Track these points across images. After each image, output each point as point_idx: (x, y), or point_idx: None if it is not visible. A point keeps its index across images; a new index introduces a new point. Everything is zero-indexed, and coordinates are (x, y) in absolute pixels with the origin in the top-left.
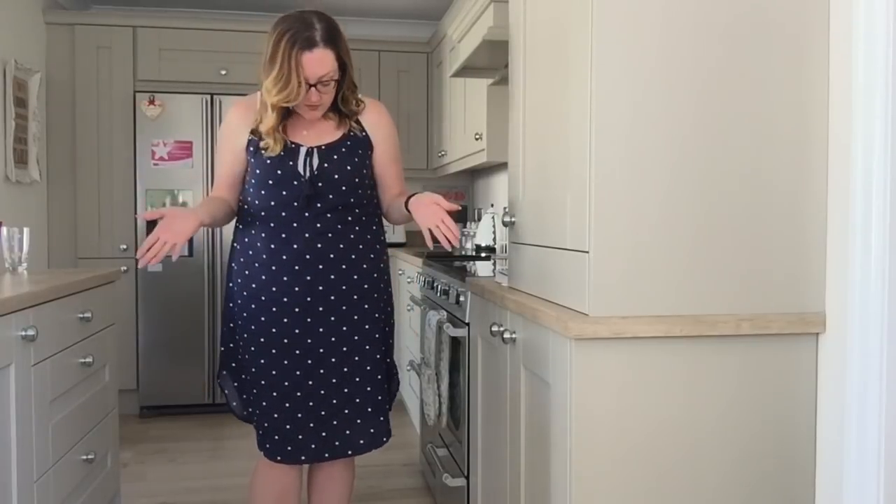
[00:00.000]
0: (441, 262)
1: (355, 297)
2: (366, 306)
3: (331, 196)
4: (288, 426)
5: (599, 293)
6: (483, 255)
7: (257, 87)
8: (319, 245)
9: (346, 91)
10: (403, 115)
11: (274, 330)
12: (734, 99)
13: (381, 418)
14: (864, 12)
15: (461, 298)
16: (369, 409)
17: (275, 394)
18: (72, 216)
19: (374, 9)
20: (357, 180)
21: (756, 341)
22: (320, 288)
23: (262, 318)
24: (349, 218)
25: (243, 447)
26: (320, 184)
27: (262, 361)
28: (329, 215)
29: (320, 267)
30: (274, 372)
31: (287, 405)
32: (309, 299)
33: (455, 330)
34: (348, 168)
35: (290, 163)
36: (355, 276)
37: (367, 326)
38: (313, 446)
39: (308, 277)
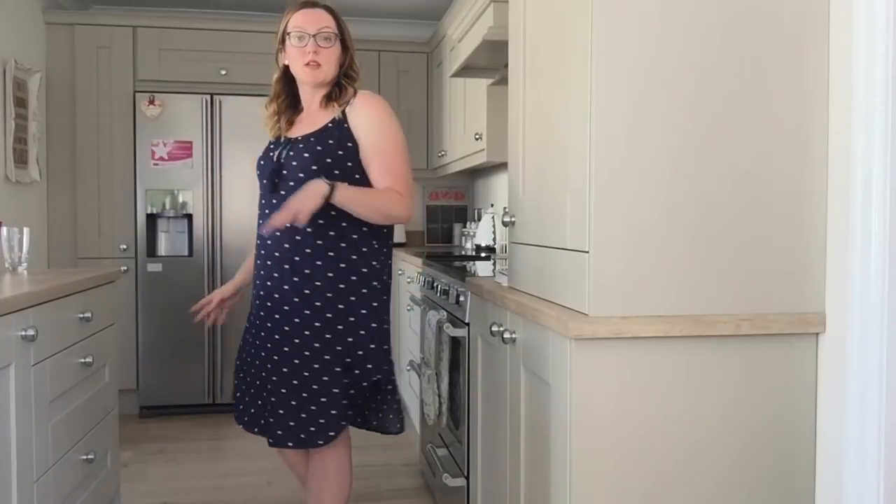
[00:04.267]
0: (441, 262)
1: (307, 291)
2: (317, 303)
3: (291, 184)
4: (239, 394)
5: (599, 293)
6: (483, 255)
7: (257, 86)
8: (278, 234)
9: (349, 69)
10: (403, 116)
11: (251, 310)
12: (734, 99)
13: (311, 419)
14: (864, 12)
15: (461, 298)
16: (307, 408)
17: (240, 368)
18: (72, 216)
19: (374, 9)
20: (315, 169)
21: (756, 341)
22: (275, 275)
23: (251, 298)
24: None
25: (243, 447)
26: (285, 171)
27: (244, 337)
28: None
29: (276, 254)
30: (244, 349)
31: (245, 378)
32: (269, 284)
33: (455, 330)
34: (306, 156)
35: (271, 153)
36: (307, 271)
37: (317, 324)
38: (246, 418)
39: (269, 263)
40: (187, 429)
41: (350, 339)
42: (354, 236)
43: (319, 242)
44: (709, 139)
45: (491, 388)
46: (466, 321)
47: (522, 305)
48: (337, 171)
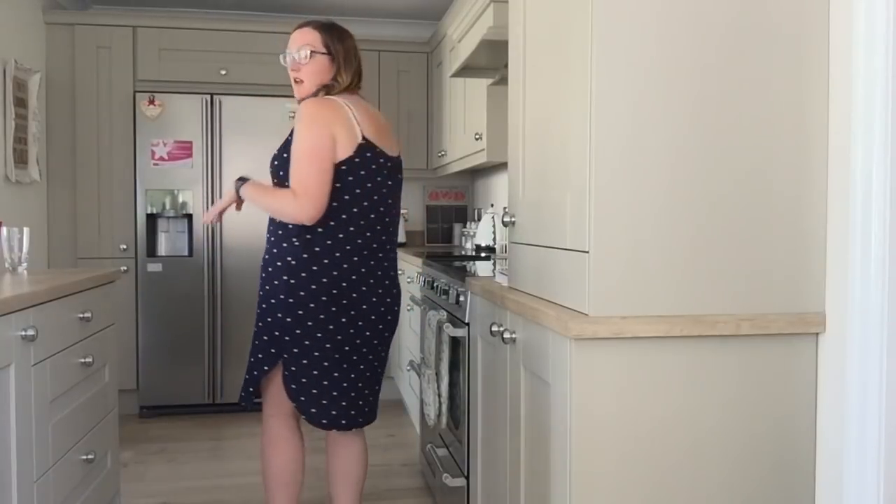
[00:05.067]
0: (441, 262)
1: (270, 269)
2: (267, 287)
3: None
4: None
5: (599, 293)
6: (483, 255)
7: (257, 86)
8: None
9: (333, 79)
10: (403, 115)
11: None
12: (734, 99)
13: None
14: (864, 12)
15: (461, 298)
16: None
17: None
18: (72, 216)
19: (374, 9)
20: (271, 170)
21: (756, 341)
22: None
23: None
24: None
25: (243, 447)
26: (270, 169)
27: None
28: None
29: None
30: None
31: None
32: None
33: (455, 330)
34: (276, 163)
35: None
36: (266, 257)
37: (263, 305)
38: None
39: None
40: (187, 429)
41: (280, 344)
42: (283, 231)
43: (280, 232)
44: (709, 139)
45: (491, 388)
46: (466, 321)
47: (522, 305)
48: (282, 173)
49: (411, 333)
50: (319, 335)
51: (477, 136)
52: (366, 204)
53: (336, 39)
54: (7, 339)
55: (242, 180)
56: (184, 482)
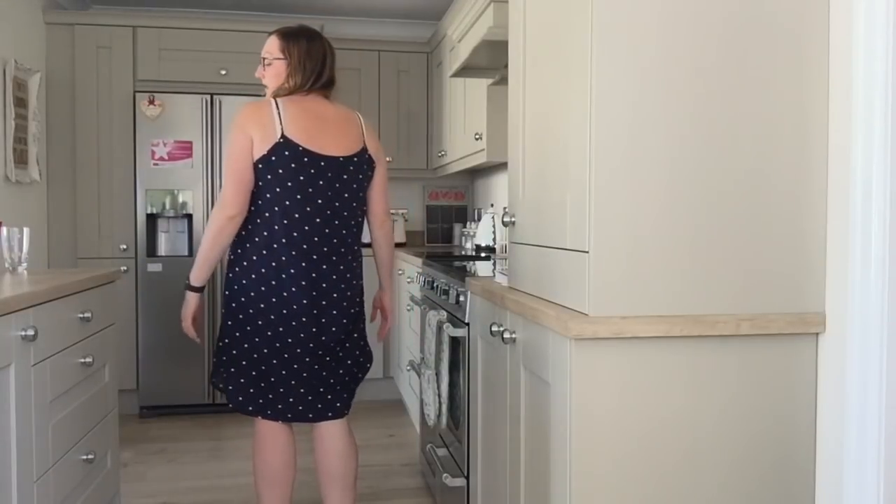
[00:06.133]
0: (441, 262)
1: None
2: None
3: None
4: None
5: (599, 293)
6: (483, 255)
7: (257, 86)
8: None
9: (284, 83)
10: (403, 115)
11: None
12: (734, 98)
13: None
14: (864, 12)
15: (461, 298)
16: None
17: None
18: (72, 216)
19: (374, 9)
20: None
21: (756, 341)
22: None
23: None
24: None
25: (243, 447)
26: None
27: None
28: None
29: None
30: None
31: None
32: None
33: (455, 330)
34: None
35: None
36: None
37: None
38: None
39: None
40: (187, 429)
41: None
42: (240, 233)
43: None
44: (709, 139)
45: (491, 388)
46: (466, 321)
47: (522, 305)
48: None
49: (411, 333)
50: (247, 329)
51: (477, 136)
52: (288, 203)
53: (293, 44)
54: (7, 339)
55: (187, 281)
56: (184, 482)
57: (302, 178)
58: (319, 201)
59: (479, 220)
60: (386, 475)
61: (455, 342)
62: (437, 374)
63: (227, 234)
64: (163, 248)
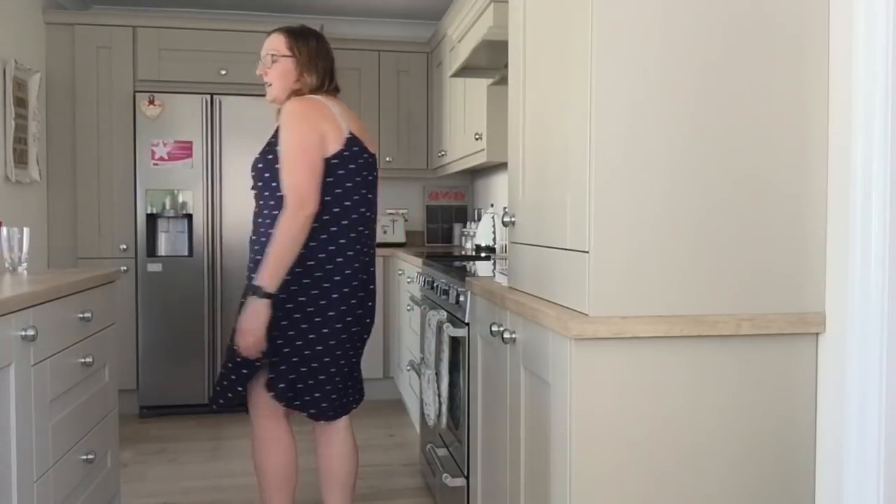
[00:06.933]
0: (441, 262)
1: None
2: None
3: (254, 191)
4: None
5: (599, 293)
6: (483, 255)
7: (257, 86)
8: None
9: (300, 82)
10: (403, 115)
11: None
12: (734, 99)
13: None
14: (864, 12)
15: (461, 298)
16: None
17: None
18: (72, 216)
19: (374, 9)
20: (254, 173)
21: (756, 341)
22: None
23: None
24: (256, 206)
25: (243, 447)
26: (253, 172)
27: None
28: (255, 200)
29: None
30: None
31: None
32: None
33: (455, 330)
34: (259, 166)
35: None
36: (250, 254)
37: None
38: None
39: None
40: (187, 429)
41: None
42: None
43: (262, 229)
44: (709, 139)
45: (491, 388)
46: (466, 321)
47: (522, 305)
48: (267, 175)
49: (411, 333)
50: (305, 327)
51: (477, 136)
52: (356, 198)
53: (301, 42)
54: (7, 339)
55: (253, 288)
56: (184, 482)
57: (358, 178)
58: (370, 196)
59: (479, 220)
60: (386, 475)
61: (455, 342)
62: (437, 374)
63: (306, 233)
64: (163, 248)
